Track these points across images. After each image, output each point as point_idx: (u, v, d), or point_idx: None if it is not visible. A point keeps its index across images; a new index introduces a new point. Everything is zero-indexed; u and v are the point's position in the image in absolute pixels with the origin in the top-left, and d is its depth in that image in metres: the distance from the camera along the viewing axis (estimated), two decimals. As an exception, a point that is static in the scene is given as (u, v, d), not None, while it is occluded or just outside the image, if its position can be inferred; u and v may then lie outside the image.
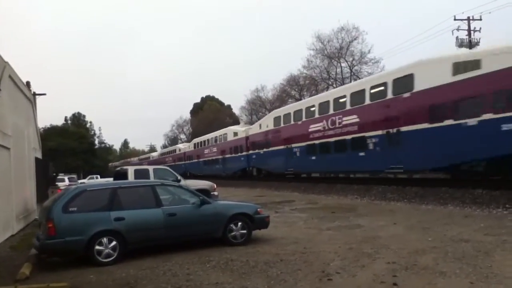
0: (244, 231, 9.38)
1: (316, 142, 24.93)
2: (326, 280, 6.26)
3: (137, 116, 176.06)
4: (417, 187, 18.55)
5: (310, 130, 25.43)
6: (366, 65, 40.23)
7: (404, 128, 18.29)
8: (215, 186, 17.87)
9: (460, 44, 33.92)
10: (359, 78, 40.04)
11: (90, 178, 45.87)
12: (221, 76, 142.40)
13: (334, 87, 42.52)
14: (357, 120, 21.39)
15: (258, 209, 9.90)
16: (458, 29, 33.95)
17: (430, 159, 17.28)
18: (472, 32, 33.92)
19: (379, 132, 19.77)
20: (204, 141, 45.63)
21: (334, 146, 23.32)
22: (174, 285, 6.27)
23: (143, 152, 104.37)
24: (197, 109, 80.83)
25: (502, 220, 11.04)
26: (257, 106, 58.90)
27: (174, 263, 7.71)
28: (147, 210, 8.63)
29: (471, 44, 33.46)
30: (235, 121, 72.88)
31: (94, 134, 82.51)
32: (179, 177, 17.02)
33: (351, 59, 40.52)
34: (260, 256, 7.99)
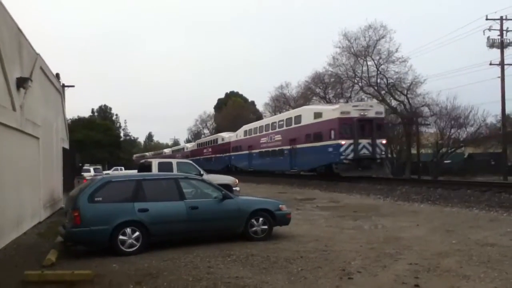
0: (265, 227, 9.40)
1: (263, 150, 36.78)
2: (346, 278, 6.24)
3: (161, 111, 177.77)
4: (441, 189, 18.27)
5: (260, 141, 37.39)
6: (393, 64, 39.43)
7: (297, 146, 30.22)
8: (237, 182, 17.94)
9: (491, 44, 33.01)
10: (386, 77, 39.63)
11: (114, 170, 46.66)
12: (246, 73, 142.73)
13: (359, 86, 42.03)
14: (280, 138, 33.51)
15: (280, 206, 9.90)
16: (489, 29, 33.02)
17: (307, 164, 30.16)
18: (504, 32, 32.93)
19: (289, 147, 31.57)
20: (203, 143, 59.30)
21: (270, 153, 35.29)
22: (195, 277, 6.34)
23: (167, 146, 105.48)
24: (221, 105, 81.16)
25: (529, 225, 10.77)
26: (281, 103, 58.61)
27: (195, 255, 7.79)
28: (170, 203, 8.75)
29: (502, 45, 32.55)
30: (259, 117, 72.91)
31: (120, 126, 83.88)
32: (202, 171, 17.16)
33: (378, 57, 39.81)
34: (281, 252, 8.00)
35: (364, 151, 25.19)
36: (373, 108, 26.55)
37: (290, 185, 28.20)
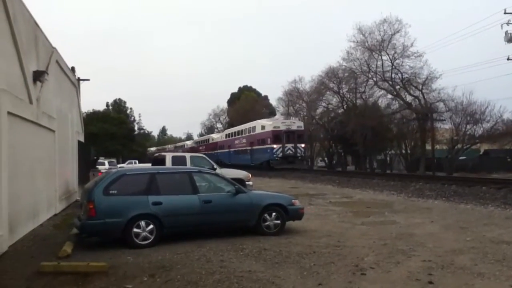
0: (278, 222, 9.42)
1: (237, 149, 48.23)
2: (359, 274, 6.22)
3: (175, 105, 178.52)
4: (456, 185, 18.08)
5: (235, 143, 49.11)
6: (408, 59, 38.86)
7: (254, 147, 42.21)
8: (250, 176, 17.97)
9: (510, 39, 32.35)
10: (401, 72, 39.23)
11: (129, 163, 47.04)
12: (260, 68, 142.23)
13: (374, 81, 41.61)
14: (245, 141, 45.86)
15: (293, 201, 9.91)
16: (508, 23, 32.36)
17: (258, 160, 40.96)
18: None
19: (249, 148, 43.51)
20: (199, 141, 72.79)
21: (240, 151, 46.75)
22: (208, 271, 6.38)
23: (180, 140, 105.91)
24: (234, 99, 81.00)
25: (546, 224, 10.61)
26: (294, 98, 58.25)
27: (208, 249, 7.84)
28: (184, 196, 8.81)
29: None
30: (272, 112, 72.59)
31: (134, 120, 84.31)
32: (215, 166, 17.22)
33: (392, 52, 39.29)
34: (293, 247, 8.01)
35: (289, 151, 37.90)
36: (295, 124, 40.51)
37: (303, 180, 28.18)
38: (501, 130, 38.26)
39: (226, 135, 55.43)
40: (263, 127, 40.97)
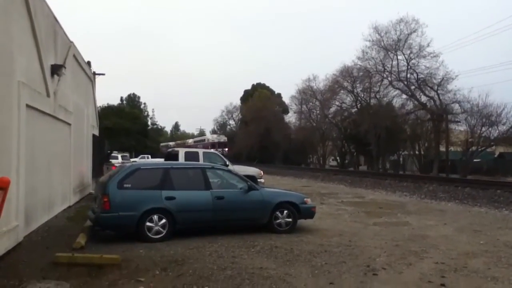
0: (290, 220, 9.42)
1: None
2: (371, 274, 6.21)
3: (188, 101, 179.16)
4: (469, 188, 17.91)
5: (197, 147, 53.41)
6: (424, 59, 38.53)
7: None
8: (262, 173, 17.99)
9: None
10: (416, 72, 38.90)
11: (141, 158, 47.41)
12: (274, 65, 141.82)
13: (389, 80, 41.33)
14: (201, 146, 53.17)
15: (305, 199, 9.90)
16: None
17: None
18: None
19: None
20: (181, 144, 77.73)
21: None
22: (220, 266, 6.43)
23: (192, 136, 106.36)
24: (247, 96, 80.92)
25: (562, 229, 10.46)
26: (308, 96, 58.16)
27: (220, 245, 7.88)
28: (197, 192, 8.86)
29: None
30: (285, 110, 72.54)
31: (147, 115, 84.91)
32: (227, 162, 17.26)
33: (408, 52, 38.99)
34: (305, 245, 8.01)
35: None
36: (222, 137, 63.88)
37: (315, 179, 28.14)
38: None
39: (193, 141, 76.18)
40: (208, 139, 66.59)
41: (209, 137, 70.70)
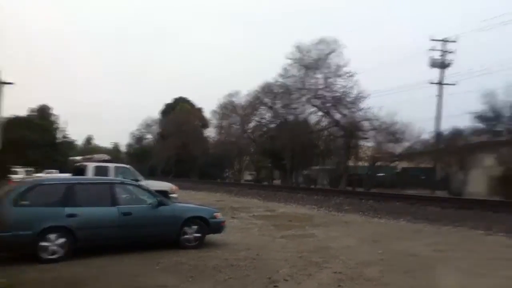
0: (198, 235, 9.35)
1: None
2: (272, 286, 6.36)
3: (103, 114, 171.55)
4: (373, 200, 19.10)
5: None
6: (340, 78, 40.69)
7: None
8: (175, 188, 17.76)
9: (433, 64, 35.04)
10: (333, 91, 40.91)
11: (48, 172, 44.58)
12: (196, 80, 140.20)
13: (307, 98, 42.73)
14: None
15: (215, 214, 9.91)
16: (432, 50, 35.23)
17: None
18: (445, 53, 35.13)
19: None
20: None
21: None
22: (121, 285, 6.24)
23: (105, 150, 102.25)
24: (169, 110, 79.65)
25: (448, 237, 11.53)
26: (229, 111, 58.63)
27: (125, 263, 7.65)
28: (102, 208, 8.52)
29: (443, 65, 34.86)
30: (204, 124, 72.38)
31: (57, 128, 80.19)
32: (139, 177, 16.82)
33: (326, 71, 40.94)
34: (211, 260, 8.01)
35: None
36: (105, 156, 50.23)
37: (229, 194, 28.29)
38: (419, 149, 40.98)
39: (82, 158, 76.52)
40: (93, 157, 64.18)
41: (96, 156, 72.78)
